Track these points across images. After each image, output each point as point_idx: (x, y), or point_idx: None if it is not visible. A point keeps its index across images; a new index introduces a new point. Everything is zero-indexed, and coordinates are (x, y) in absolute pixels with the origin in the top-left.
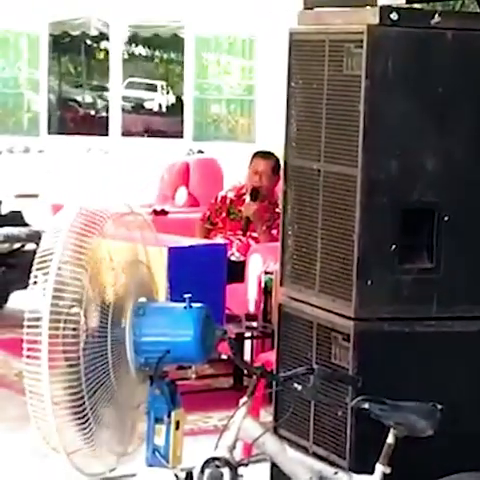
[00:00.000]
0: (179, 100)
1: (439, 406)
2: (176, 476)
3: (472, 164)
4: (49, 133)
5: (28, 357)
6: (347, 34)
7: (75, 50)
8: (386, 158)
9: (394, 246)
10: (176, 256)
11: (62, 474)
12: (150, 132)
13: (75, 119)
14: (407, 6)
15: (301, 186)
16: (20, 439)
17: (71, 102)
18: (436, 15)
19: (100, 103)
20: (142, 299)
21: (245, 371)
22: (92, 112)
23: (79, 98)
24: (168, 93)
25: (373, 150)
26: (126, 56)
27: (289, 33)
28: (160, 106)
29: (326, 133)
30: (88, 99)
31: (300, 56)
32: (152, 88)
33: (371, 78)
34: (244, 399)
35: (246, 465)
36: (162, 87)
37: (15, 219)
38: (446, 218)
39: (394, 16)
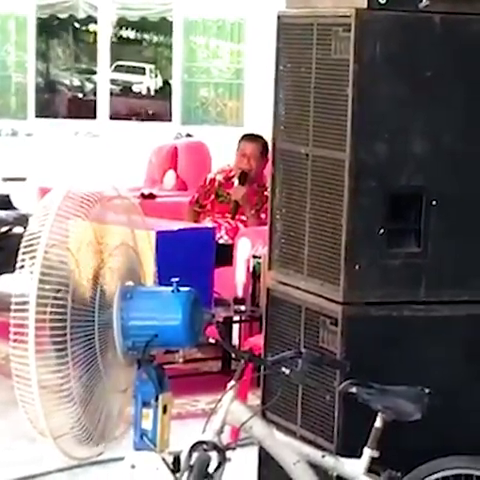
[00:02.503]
0: (167, 84)
1: (427, 390)
2: (164, 460)
3: (461, 149)
4: (37, 116)
5: (15, 341)
6: (335, 18)
7: (63, 33)
8: (374, 142)
9: (382, 230)
10: (164, 240)
11: (50, 458)
12: (138, 115)
13: (63, 102)
14: None
15: (289, 170)
16: (9, 423)
17: (59, 85)
18: None
19: (88, 86)
20: (129, 283)
21: (233, 355)
22: (80, 95)
23: (67, 81)
24: (156, 76)
25: (361, 134)
26: (114, 39)
27: (277, 16)
28: (148, 89)
29: (314, 117)
30: (76, 82)
31: (288, 40)
32: (140, 71)
33: (359, 62)
34: (232, 383)
35: (234, 449)
36: (150, 70)
37: (3, 202)
38: (434, 202)
39: (382, 0)
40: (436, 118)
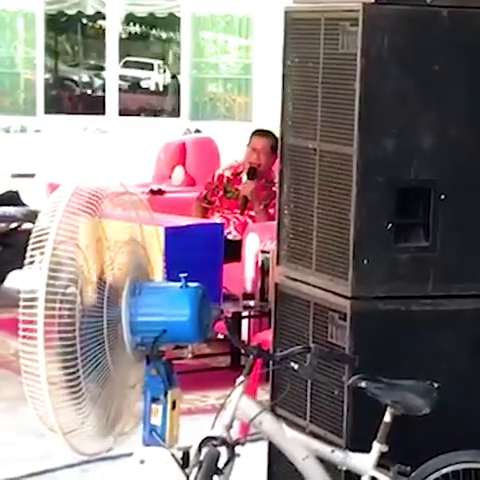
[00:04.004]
0: (175, 79)
1: (435, 384)
2: (173, 455)
3: (468, 142)
4: (46, 113)
5: (24, 337)
6: (343, 12)
7: (71, 29)
8: (382, 137)
9: (390, 225)
10: (173, 235)
11: (59, 454)
12: (147, 111)
13: (72, 98)
14: None
15: (297, 165)
16: (18, 419)
17: (68, 81)
18: None
19: (97, 82)
20: (138, 279)
21: (242, 350)
22: (89, 91)
23: (76, 77)
24: (165, 72)
25: (369, 129)
26: (123, 35)
27: (285, 11)
28: (157, 85)
29: (322, 112)
30: (85, 78)
31: (296, 35)
32: (148, 67)
33: (367, 56)
34: (241, 378)
35: (243, 444)
36: (159, 66)
37: (12, 199)
38: (442, 196)
39: None
40: (444, 112)
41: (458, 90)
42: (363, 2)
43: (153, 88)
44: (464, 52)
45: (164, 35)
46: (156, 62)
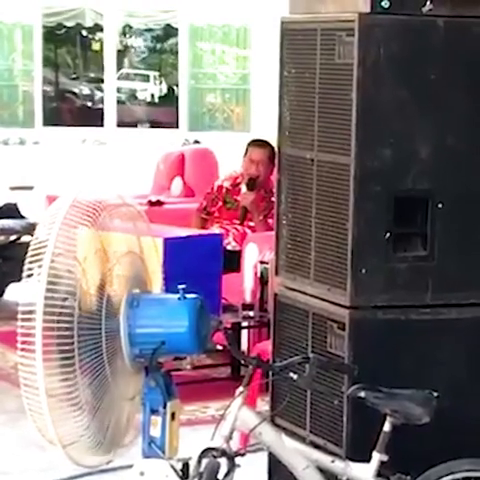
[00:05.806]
0: (171, 90)
1: (435, 393)
2: (172, 467)
3: (466, 151)
4: (44, 125)
5: (23, 350)
6: (339, 22)
7: (71, 41)
8: (379, 146)
9: (388, 234)
10: (172, 247)
11: (60, 466)
12: (145, 122)
13: (71, 111)
14: None
15: (295, 175)
16: (19, 431)
17: (69, 94)
18: (427, 2)
19: (98, 94)
20: (136, 290)
21: (242, 361)
22: (89, 104)
23: (76, 90)
24: (161, 83)
25: (366, 139)
26: (121, 47)
27: (281, 22)
28: (153, 96)
29: (319, 122)
30: (85, 91)
31: (292, 45)
32: (144, 78)
33: (363, 66)
34: (240, 389)
35: (243, 455)
36: (154, 77)
37: (10, 211)
38: (440, 205)
39: (385, 4)
40: (441, 121)
41: (455, 99)
42: (359, 12)
43: (149, 99)
44: (461, 61)
45: (161, 46)
46: (152, 73)
